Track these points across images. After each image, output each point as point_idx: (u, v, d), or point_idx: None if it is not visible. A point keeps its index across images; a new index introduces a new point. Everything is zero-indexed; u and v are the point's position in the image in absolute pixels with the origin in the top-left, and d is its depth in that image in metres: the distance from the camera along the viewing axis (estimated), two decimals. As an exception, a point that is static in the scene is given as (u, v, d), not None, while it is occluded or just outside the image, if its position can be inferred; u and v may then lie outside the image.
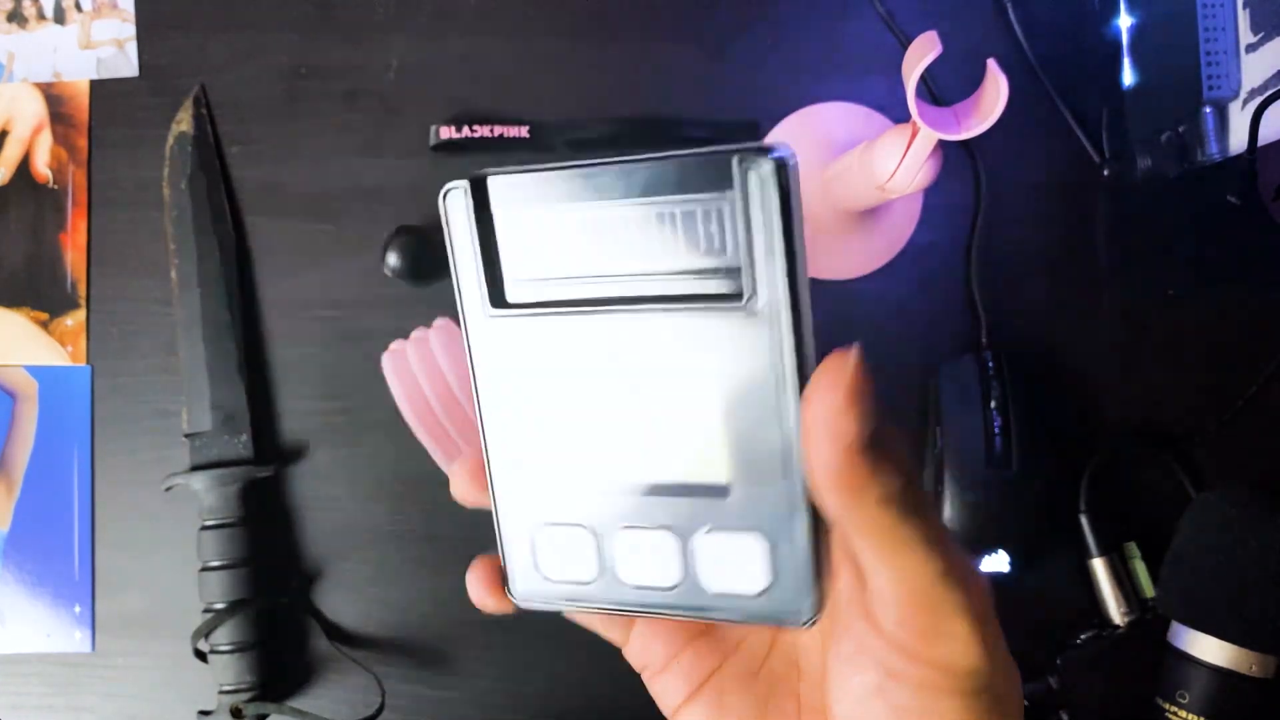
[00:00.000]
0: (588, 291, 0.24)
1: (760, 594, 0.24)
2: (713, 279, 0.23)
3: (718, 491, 0.24)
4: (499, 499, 0.27)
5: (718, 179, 0.22)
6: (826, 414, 0.21)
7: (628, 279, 0.24)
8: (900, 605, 0.23)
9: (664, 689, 0.28)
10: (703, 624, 0.28)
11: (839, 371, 0.21)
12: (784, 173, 0.21)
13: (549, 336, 0.25)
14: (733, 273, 0.23)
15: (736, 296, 0.22)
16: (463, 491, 0.27)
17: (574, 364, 0.25)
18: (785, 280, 0.22)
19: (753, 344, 0.23)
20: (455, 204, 0.24)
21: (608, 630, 0.29)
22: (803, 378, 0.23)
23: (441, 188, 0.24)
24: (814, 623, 0.24)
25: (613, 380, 0.24)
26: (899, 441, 0.22)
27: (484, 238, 0.24)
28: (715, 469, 0.24)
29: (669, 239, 0.23)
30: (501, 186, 0.24)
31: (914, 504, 0.22)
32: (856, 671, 0.24)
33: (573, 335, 0.24)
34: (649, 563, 0.25)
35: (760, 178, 0.21)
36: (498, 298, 0.25)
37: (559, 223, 0.24)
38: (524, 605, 0.27)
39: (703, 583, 0.25)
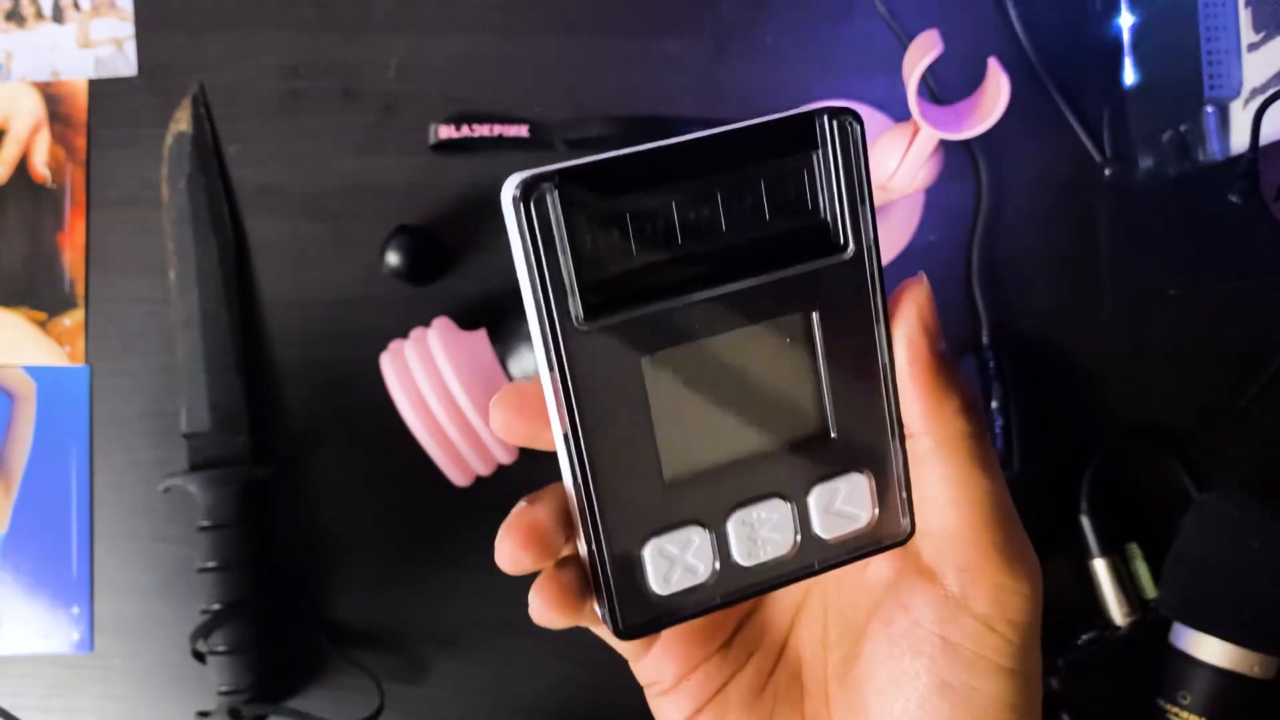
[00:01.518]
0: (684, 276, 0.23)
1: (869, 525, 0.26)
2: (807, 235, 0.24)
3: (823, 440, 0.25)
4: (602, 522, 0.24)
5: (804, 139, 0.23)
6: (919, 317, 0.24)
7: (720, 255, 0.24)
8: (966, 535, 0.24)
9: (668, 708, 0.28)
10: (719, 640, 0.28)
11: (920, 287, 0.25)
12: (861, 128, 0.24)
13: (646, 333, 0.23)
14: (823, 228, 0.24)
15: (833, 247, 0.24)
16: (501, 421, 0.25)
17: (675, 355, 0.24)
18: (871, 224, 0.24)
19: (850, 287, 0.24)
20: (541, 204, 0.22)
21: (629, 646, 0.28)
22: (886, 309, 0.25)
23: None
24: (909, 539, 0.26)
25: (714, 362, 0.24)
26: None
27: (577, 241, 0.22)
28: (819, 419, 0.25)
29: (759, 205, 0.24)
30: (589, 177, 0.22)
31: (983, 424, 0.25)
32: (906, 651, 0.25)
33: (670, 326, 0.24)
34: (766, 536, 0.25)
35: (847, 132, 0.23)
36: (593, 303, 0.23)
37: (648, 210, 0.23)
38: (636, 637, 0.26)
39: (820, 533, 0.26)
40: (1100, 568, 0.55)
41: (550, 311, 0.23)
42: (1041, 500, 0.56)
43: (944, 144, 0.43)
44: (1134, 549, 0.55)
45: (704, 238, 0.23)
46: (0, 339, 0.57)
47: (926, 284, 0.25)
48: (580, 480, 0.24)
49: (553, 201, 0.22)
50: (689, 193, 0.23)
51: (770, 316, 0.24)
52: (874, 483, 0.26)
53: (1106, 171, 0.56)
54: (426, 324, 0.53)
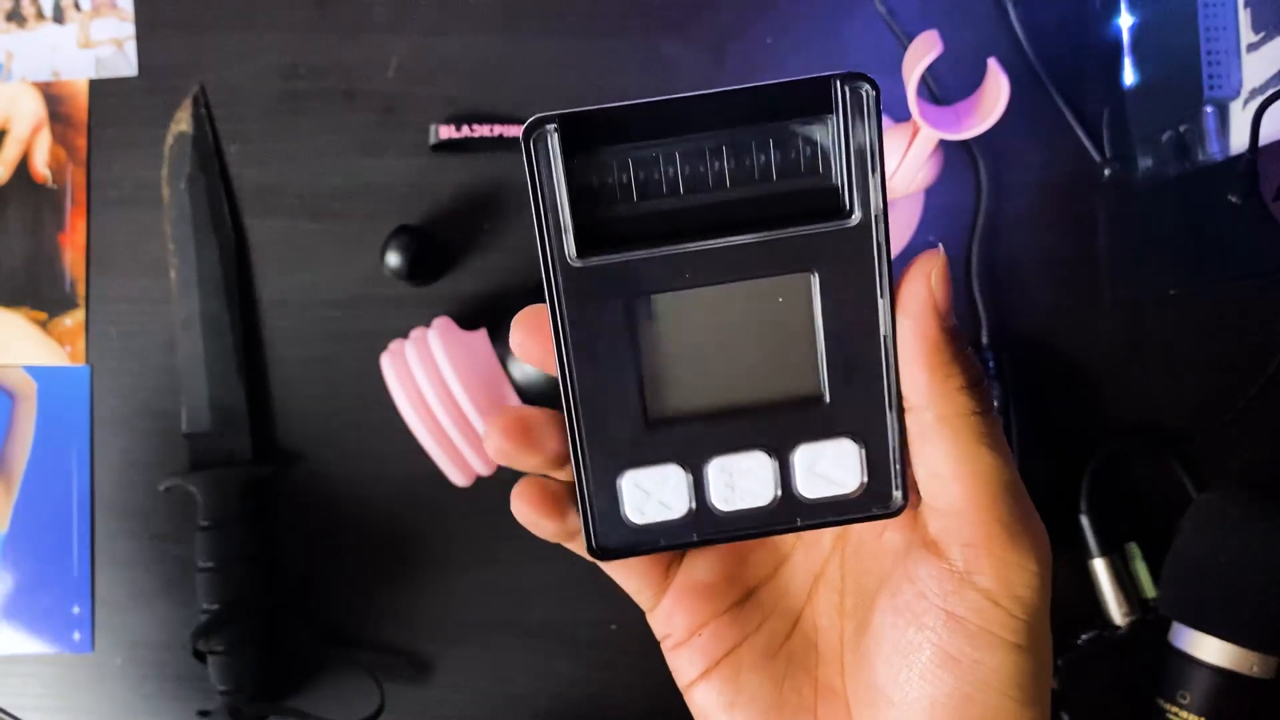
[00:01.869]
0: (682, 225, 0.24)
1: (857, 491, 0.26)
2: (812, 198, 0.24)
3: (814, 403, 0.25)
4: (583, 449, 0.26)
5: (818, 103, 0.23)
6: (927, 287, 0.24)
7: (722, 208, 0.24)
8: (972, 513, 0.24)
9: (682, 662, 0.28)
10: (732, 599, 0.29)
11: (934, 257, 0.24)
12: (878, 93, 0.23)
13: (641, 275, 0.24)
14: (830, 191, 0.24)
15: (838, 212, 0.24)
16: (497, 447, 0.26)
17: (666, 301, 0.25)
18: (880, 193, 0.24)
19: (853, 254, 0.24)
20: (541, 144, 0.24)
21: (640, 591, 0.29)
22: (892, 280, 0.25)
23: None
24: (900, 512, 0.26)
25: (707, 312, 0.25)
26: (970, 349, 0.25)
27: (573, 179, 0.24)
28: (812, 381, 0.25)
29: (766, 163, 0.24)
30: (591, 124, 0.24)
31: (989, 401, 0.24)
32: (910, 622, 0.25)
33: (664, 272, 0.24)
34: (745, 486, 0.26)
35: (863, 98, 0.23)
36: (586, 242, 0.24)
37: (652, 158, 0.24)
38: (609, 559, 0.27)
39: (801, 493, 0.26)
40: (1100, 567, 0.55)
41: (547, 246, 0.24)
42: (1041, 500, 0.56)
43: (944, 144, 0.43)
44: (1133, 549, 0.55)
45: (705, 190, 0.24)
46: (1, 339, 0.57)
47: (942, 256, 0.24)
48: (569, 406, 0.25)
49: (552, 142, 0.23)
50: (693, 145, 0.24)
51: (768, 274, 0.24)
52: (865, 451, 0.26)
53: (1106, 172, 0.56)
54: (427, 324, 0.53)
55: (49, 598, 0.57)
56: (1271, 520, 0.50)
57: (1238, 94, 0.48)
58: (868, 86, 0.23)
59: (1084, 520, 0.55)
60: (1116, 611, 0.54)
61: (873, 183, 0.24)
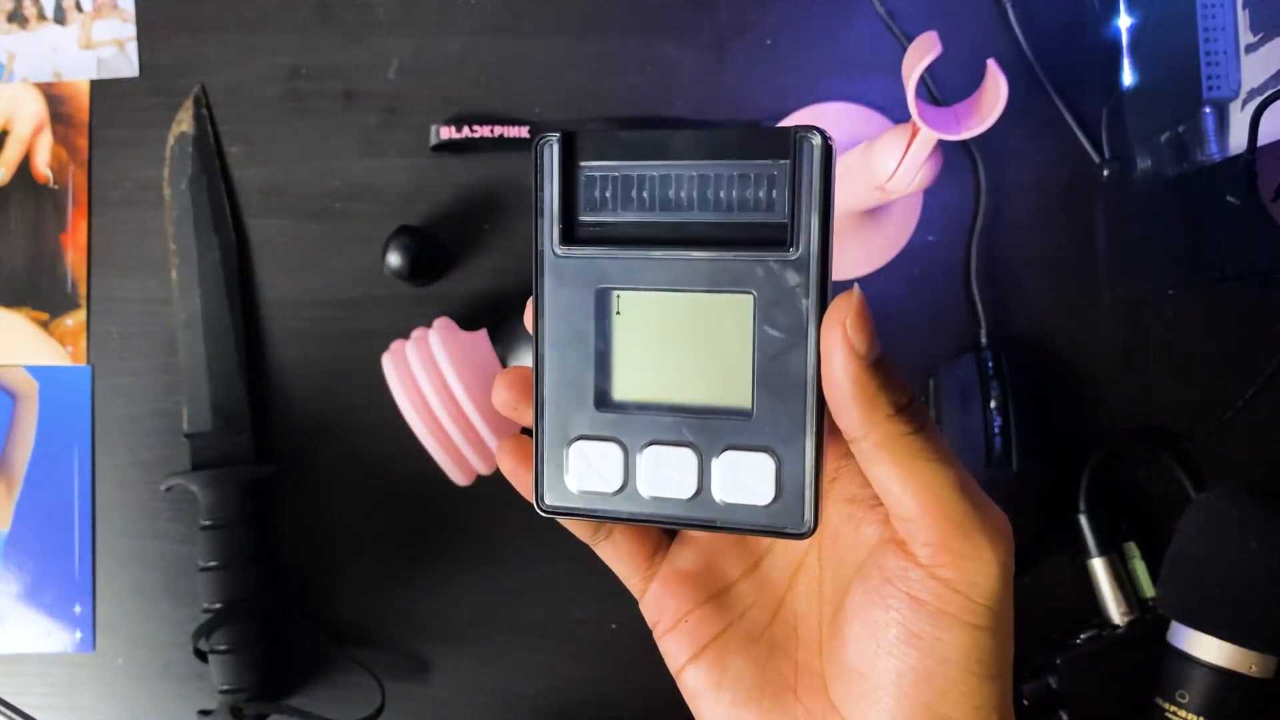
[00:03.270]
0: (650, 235, 0.28)
1: (768, 506, 0.28)
2: (760, 230, 0.27)
3: (741, 415, 0.28)
4: (543, 415, 0.30)
5: (776, 149, 0.27)
6: (842, 333, 0.26)
7: (686, 227, 0.28)
8: (926, 519, 0.26)
9: (671, 647, 0.31)
10: (713, 588, 0.31)
11: (849, 300, 0.26)
12: (829, 148, 0.26)
13: (609, 272, 0.29)
14: (778, 226, 0.27)
15: (781, 245, 0.27)
16: (502, 399, 0.30)
17: (627, 298, 0.29)
18: (820, 235, 0.27)
19: (789, 286, 0.27)
20: (546, 153, 0.29)
21: (629, 576, 0.31)
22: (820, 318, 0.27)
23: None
24: (809, 535, 0.28)
25: (660, 313, 0.28)
26: (898, 372, 0.26)
27: (565, 183, 0.28)
28: (742, 395, 0.28)
29: (725, 195, 0.28)
30: (587, 142, 0.28)
31: (922, 419, 0.26)
32: (877, 604, 0.27)
33: (627, 273, 0.28)
34: (669, 477, 0.29)
35: (813, 149, 0.26)
36: (568, 235, 0.29)
37: (633, 177, 0.28)
38: (548, 514, 0.30)
39: (716, 495, 0.28)
40: (1098, 567, 0.55)
41: (538, 236, 0.29)
42: (1040, 500, 0.56)
43: (943, 144, 0.43)
44: (1132, 548, 0.55)
45: (672, 209, 0.28)
46: (3, 339, 0.57)
47: (857, 296, 0.26)
48: (536, 376, 0.29)
49: (550, 152, 0.28)
50: (669, 171, 0.28)
51: (715, 290, 0.28)
52: (779, 470, 0.28)
53: (1105, 172, 0.56)
54: (427, 324, 0.53)
55: (51, 597, 0.57)
56: (1270, 520, 0.50)
57: (1236, 94, 0.48)
58: (819, 139, 0.26)
59: (1083, 520, 0.55)
60: (1115, 611, 0.54)
61: (814, 223, 0.27)
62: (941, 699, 0.26)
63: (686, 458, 0.28)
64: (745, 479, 0.28)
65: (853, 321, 0.26)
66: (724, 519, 0.28)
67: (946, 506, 0.26)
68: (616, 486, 0.29)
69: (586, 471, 0.29)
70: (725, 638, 0.30)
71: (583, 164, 0.29)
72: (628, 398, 0.29)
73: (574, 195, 0.29)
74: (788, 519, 0.28)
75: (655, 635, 0.31)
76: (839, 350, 0.26)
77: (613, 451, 0.29)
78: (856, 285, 0.27)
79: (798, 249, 0.27)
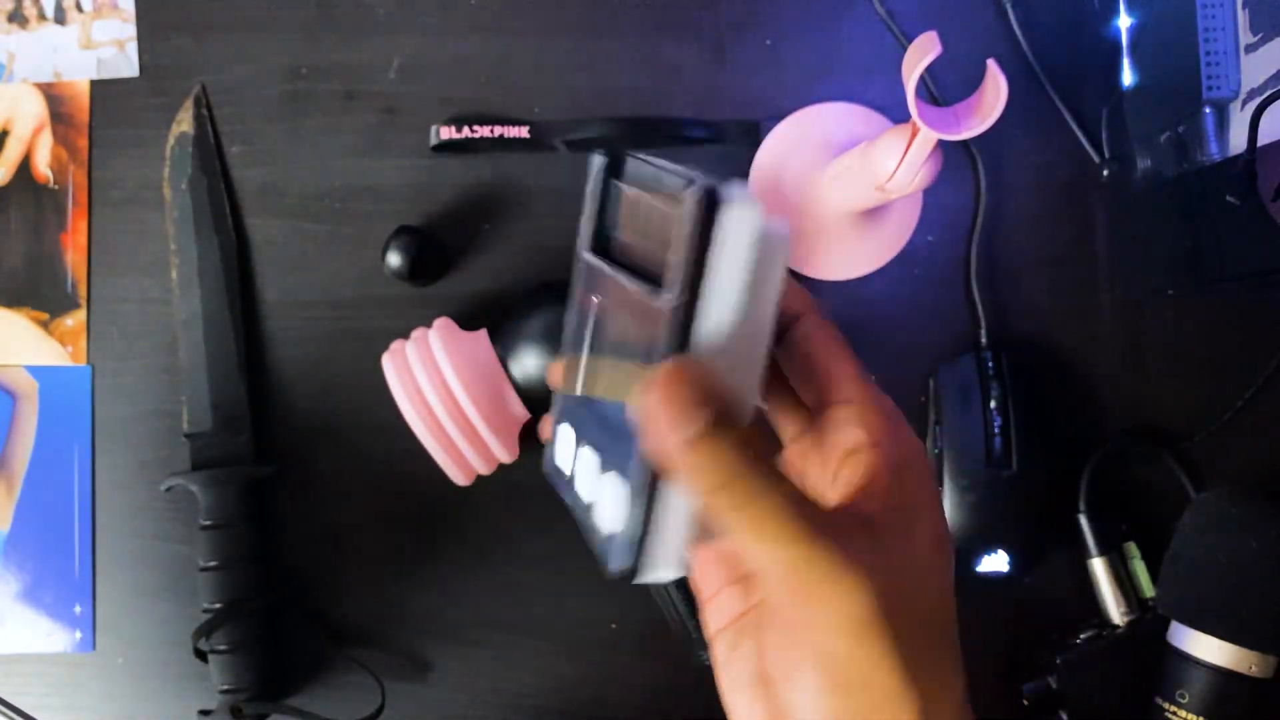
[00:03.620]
0: (616, 253, 0.31)
1: (608, 536, 0.29)
2: (663, 268, 0.26)
3: (632, 436, 0.27)
4: (555, 397, 0.34)
5: (679, 191, 0.26)
6: (648, 412, 0.25)
7: (635, 251, 0.30)
8: (771, 574, 0.26)
9: (709, 616, 0.33)
10: (738, 571, 0.33)
11: (664, 379, 0.25)
12: (713, 207, 0.25)
13: (591, 278, 0.31)
14: (668, 264, 0.26)
15: (658, 286, 0.26)
16: (553, 378, 0.34)
17: (594, 303, 0.31)
18: (688, 289, 0.25)
19: (657, 329, 0.26)
20: (594, 169, 0.32)
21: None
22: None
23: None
24: (620, 576, 0.28)
25: (609, 321, 0.30)
26: (740, 435, 0.25)
27: (601, 197, 0.31)
28: (630, 414, 0.28)
29: (656, 228, 0.28)
30: (623, 164, 0.31)
31: (747, 492, 0.25)
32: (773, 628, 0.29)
33: (598, 281, 0.31)
34: (580, 472, 0.31)
35: (692, 205, 0.25)
36: (592, 243, 0.32)
37: (619, 196, 0.31)
38: (547, 479, 0.34)
39: (592, 501, 0.30)
40: (1098, 567, 0.55)
41: (583, 235, 0.32)
42: (1040, 500, 0.56)
43: (943, 145, 0.43)
44: (1132, 548, 0.55)
45: (628, 233, 0.30)
46: (2, 339, 0.57)
47: (679, 368, 0.25)
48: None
49: (598, 167, 0.31)
50: (629, 195, 0.30)
51: (636, 311, 0.28)
52: (627, 500, 0.27)
53: (1105, 172, 0.56)
54: (427, 324, 0.53)
55: (51, 597, 0.57)
56: (1270, 520, 0.50)
57: (1236, 95, 0.48)
58: (696, 197, 0.25)
59: (1082, 520, 0.55)
60: (1115, 611, 0.54)
61: (685, 276, 0.25)
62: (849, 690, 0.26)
63: (592, 461, 0.30)
64: (609, 500, 0.29)
65: (658, 403, 0.25)
66: (590, 530, 0.30)
67: (793, 562, 0.25)
68: (568, 473, 0.32)
69: (554, 452, 0.33)
70: (746, 618, 0.32)
71: (614, 182, 0.31)
72: (593, 393, 0.31)
73: (603, 208, 0.31)
74: (611, 551, 0.28)
75: (700, 604, 0.34)
76: (646, 429, 0.26)
77: (572, 440, 0.32)
78: (684, 358, 0.26)
79: (666, 295, 0.26)
